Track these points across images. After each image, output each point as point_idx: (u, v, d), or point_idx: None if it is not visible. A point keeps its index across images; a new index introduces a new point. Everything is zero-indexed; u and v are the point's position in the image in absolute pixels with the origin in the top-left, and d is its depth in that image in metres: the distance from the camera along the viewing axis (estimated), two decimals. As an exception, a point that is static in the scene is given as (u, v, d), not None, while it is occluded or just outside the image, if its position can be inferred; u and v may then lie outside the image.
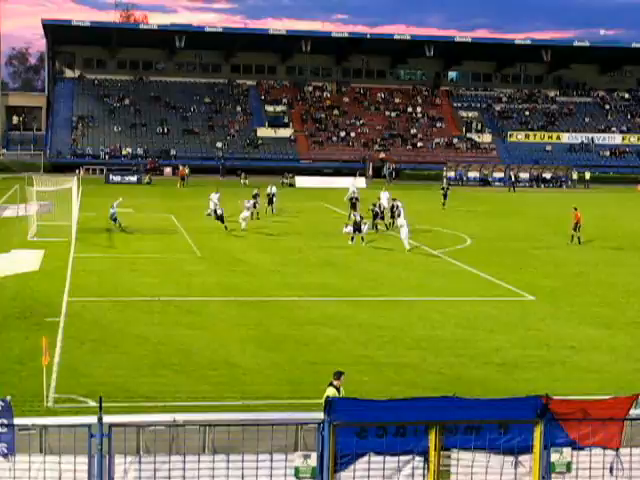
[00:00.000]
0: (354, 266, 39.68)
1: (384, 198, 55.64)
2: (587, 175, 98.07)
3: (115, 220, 48.50)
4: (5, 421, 11.99)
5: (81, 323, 27.28)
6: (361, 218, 46.83)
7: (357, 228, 46.13)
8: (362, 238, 45.92)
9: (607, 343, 26.83)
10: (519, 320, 29.61)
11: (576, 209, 47.98)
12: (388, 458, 12.78)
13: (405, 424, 12.44)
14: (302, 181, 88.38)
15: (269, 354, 24.59)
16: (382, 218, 51.83)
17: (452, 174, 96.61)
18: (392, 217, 52.10)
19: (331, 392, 16.49)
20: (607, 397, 14.51)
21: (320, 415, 13.41)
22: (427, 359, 24.45)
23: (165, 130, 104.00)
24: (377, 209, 51.17)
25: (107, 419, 15.09)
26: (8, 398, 12.18)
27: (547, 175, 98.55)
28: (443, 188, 69.42)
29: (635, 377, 23.08)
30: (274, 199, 59.41)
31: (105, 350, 24.36)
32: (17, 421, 13.67)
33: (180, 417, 16.31)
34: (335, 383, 16.95)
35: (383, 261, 41.54)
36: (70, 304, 29.81)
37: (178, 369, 22.84)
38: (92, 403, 19.73)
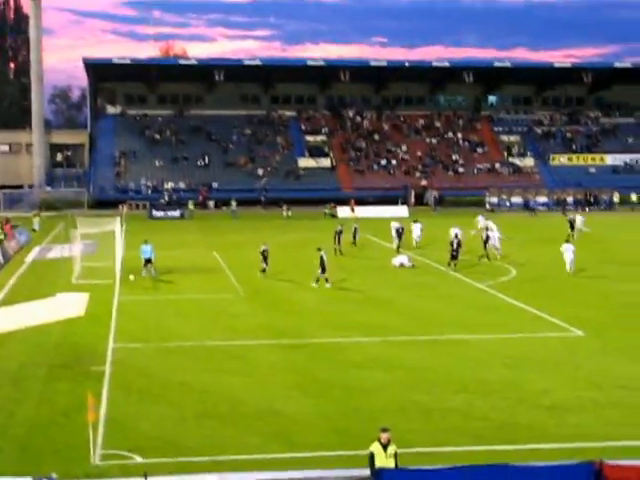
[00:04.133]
0: (398, 303, 39.40)
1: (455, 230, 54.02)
2: (633, 197, 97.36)
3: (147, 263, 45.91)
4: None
5: (127, 372, 27.26)
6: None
7: None
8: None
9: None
10: (568, 358, 29.12)
11: None
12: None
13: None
14: (344, 211, 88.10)
15: (315, 401, 24.40)
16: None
17: (494, 199, 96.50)
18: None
19: (374, 448, 16.95)
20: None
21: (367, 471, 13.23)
22: (474, 403, 24.11)
23: (206, 163, 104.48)
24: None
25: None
26: (54, 476, 12.16)
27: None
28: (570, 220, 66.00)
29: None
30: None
31: (151, 400, 24.31)
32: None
33: (227, 477, 16.32)
34: (382, 439, 16.97)
35: (427, 297, 41.21)
36: (115, 351, 29.88)
37: (224, 419, 22.71)
38: (139, 459, 19.70)
